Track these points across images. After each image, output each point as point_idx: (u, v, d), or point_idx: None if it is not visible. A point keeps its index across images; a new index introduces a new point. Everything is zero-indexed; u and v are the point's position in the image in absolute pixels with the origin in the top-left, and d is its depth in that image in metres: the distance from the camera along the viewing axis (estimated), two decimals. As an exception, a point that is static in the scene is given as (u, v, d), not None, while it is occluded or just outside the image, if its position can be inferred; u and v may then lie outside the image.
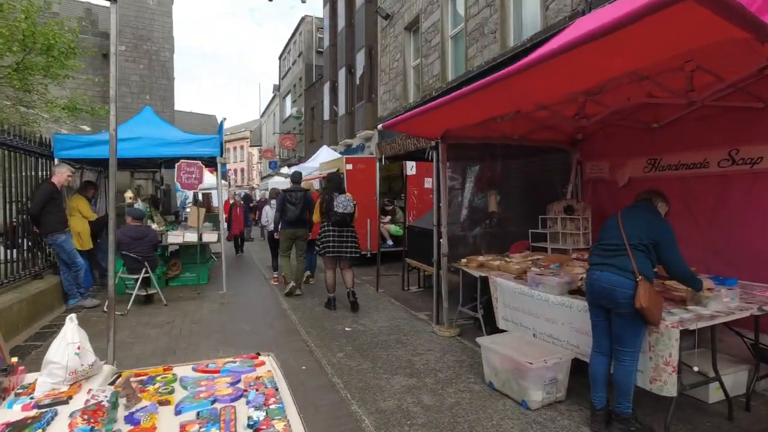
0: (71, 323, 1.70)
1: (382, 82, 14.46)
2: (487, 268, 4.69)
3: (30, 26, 7.50)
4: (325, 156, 13.13)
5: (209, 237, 7.74)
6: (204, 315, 6.03)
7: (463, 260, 5.02)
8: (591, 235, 5.01)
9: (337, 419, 3.17)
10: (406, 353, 4.45)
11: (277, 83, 35.82)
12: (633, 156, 4.87)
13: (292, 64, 29.71)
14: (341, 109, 18.39)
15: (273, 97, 38.98)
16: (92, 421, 1.44)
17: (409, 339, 4.90)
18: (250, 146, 50.45)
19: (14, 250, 5.84)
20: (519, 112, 4.13)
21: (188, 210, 11.58)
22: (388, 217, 10.53)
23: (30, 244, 6.12)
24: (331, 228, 6.25)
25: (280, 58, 33.70)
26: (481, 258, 4.95)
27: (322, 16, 23.05)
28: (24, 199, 6.00)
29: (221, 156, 7.46)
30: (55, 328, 5.30)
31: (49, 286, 5.97)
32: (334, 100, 19.61)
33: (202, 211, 8.50)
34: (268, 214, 9.68)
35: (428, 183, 9.20)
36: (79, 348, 1.68)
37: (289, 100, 31.20)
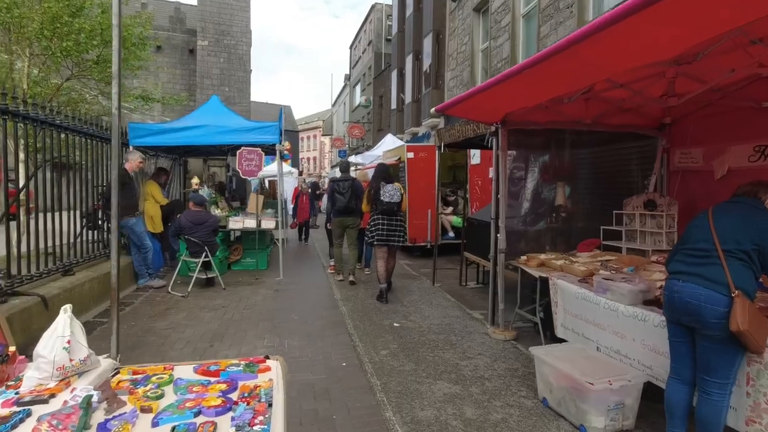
0: (64, 315, 1.61)
1: (449, 67, 13.90)
2: (549, 268, 4.20)
3: (106, 20, 7.99)
4: (389, 144, 12.94)
5: (268, 223, 7.85)
6: (257, 301, 6.09)
7: (523, 258, 4.55)
8: (676, 235, 4.31)
9: (368, 426, 2.94)
10: (454, 356, 4.12)
11: (348, 73, 36.18)
12: (736, 142, 4.09)
13: (362, 53, 29.77)
14: (408, 97, 18.06)
15: (344, 87, 39.49)
16: (60, 427, 1.32)
17: (459, 340, 4.55)
18: (322, 135, 51.78)
19: (95, 231, 6.28)
20: (590, 92, 3.58)
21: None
22: (450, 208, 10.11)
23: (108, 225, 6.54)
24: (380, 217, 6.10)
25: (351, 47, 33.96)
26: (543, 256, 4.45)
27: (391, 3, 22.75)
28: (105, 184, 6.41)
29: (280, 143, 7.49)
30: (123, 306, 5.60)
31: (121, 266, 6.35)
32: (401, 87, 19.32)
33: (261, 198, 8.66)
34: (326, 203, 9.74)
35: (492, 173, 8.69)
36: (69, 342, 1.59)
37: (358, 89, 31.39)
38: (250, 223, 7.61)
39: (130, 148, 7.01)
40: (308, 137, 55.34)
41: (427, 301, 6.19)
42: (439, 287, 6.99)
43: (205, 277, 6.69)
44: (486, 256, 5.48)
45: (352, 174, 8.22)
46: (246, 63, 26.62)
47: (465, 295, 6.47)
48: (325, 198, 10.21)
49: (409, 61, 17.65)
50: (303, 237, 12.87)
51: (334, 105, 44.70)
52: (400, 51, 19.30)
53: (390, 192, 6.04)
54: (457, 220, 9.60)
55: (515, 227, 4.99)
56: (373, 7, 26.64)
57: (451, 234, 9.64)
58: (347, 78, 36.86)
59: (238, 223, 7.63)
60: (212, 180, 11.31)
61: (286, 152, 10.08)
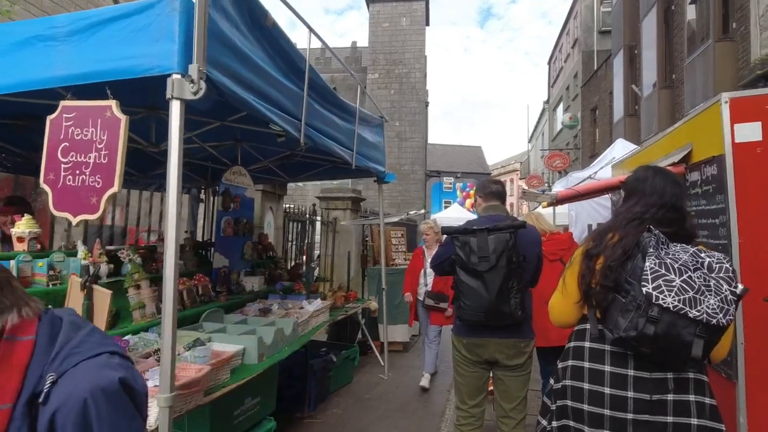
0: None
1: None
2: None
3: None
4: (619, 150, 6.44)
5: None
6: None
7: None
8: None
9: None
10: None
11: (546, 95, 29.64)
12: None
13: (564, 61, 23.15)
14: (647, 88, 10.95)
15: (540, 114, 32.94)
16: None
17: None
18: (520, 179, 45.49)
19: None
20: None
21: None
22: None
23: None
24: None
25: (549, 62, 27.60)
26: None
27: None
28: None
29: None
30: None
31: None
32: (632, 77, 12.26)
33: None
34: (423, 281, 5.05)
35: None
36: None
37: (560, 110, 24.57)
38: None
39: None
40: (505, 183, 49.51)
41: None
42: None
43: None
44: None
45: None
46: (420, 92, 23.10)
47: None
48: (426, 268, 4.52)
49: (648, 24, 10.68)
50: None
51: (530, 140, 38.20)
52: (627, 23, 12.40)
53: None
54: None
55: None
56: (578, -2, 20.18)
57: None
58: (546, 102, 30.29)
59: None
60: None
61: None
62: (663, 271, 1.45)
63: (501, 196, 2.76)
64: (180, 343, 2.70)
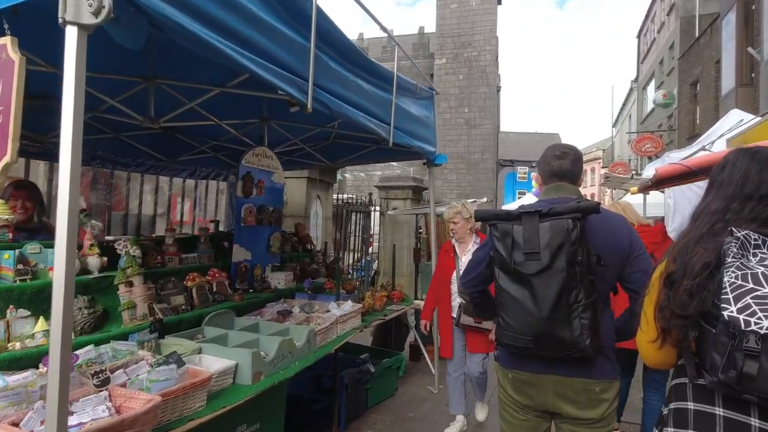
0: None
1: None
2: None
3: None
4: (733, 122, 5.06)
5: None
6: None
7: None
8: None
9: None
10: None
11: (636, 73, 26.69)
12: None
13: (658, 31, 20.54)
14: (766, 51, 9.01)
15: (628, 95, 29.87)
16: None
17: None
18: (602, 168, 41.91)
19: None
20: None
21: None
22: None
23: None
24: None
25: (639, 35, 24.78)
26: None
27: None
28: None
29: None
30: None
31: None
32: (747, 38, 10.25)
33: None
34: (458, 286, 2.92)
35: None
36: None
37: (651, 88, 21.92)
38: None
39: None
40: (585, 172, 45.98)
41: None
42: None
43: None
44: None
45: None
46: (490, 75, 21.65)
47: None
48: (460, 268, 3.39)
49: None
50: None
51: (614, 124, 34.97)
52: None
53: None
54: None
55: None
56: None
57: None
58: (634, 81, 27.31)
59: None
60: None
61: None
62: (751, 285, 1.06)
63: (569, 174, 1.88)
64: (164, 352, 2.22)
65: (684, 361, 1.27)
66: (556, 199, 1.77)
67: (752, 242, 1.13)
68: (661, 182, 2.82)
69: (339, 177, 18.84)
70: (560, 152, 1.90)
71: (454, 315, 3.42)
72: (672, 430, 1.25)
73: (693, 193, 4.50)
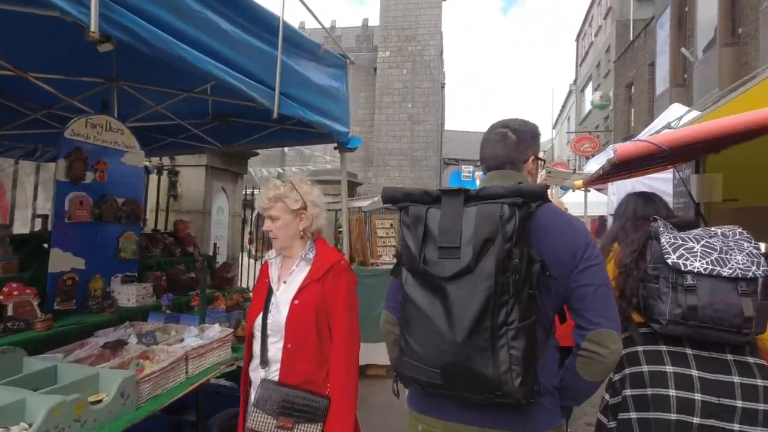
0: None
1: None
2: None
3: None
4: (674, 114, 4.61)
5: None
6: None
7: None
8: None
9: None
10: None
11: (573, 78, 27.42)
12: None
13: (595, 35, 21.01)
14: (702, 50, 9.00)
15: (567, 97, 30.73)
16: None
17: None
18: (543, 168, 43.23)
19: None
20: None
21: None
22: None
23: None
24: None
25: (577, 38, 25.40)
26: None
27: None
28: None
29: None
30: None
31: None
32: (680, 40, 10.28)
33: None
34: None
35: None
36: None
37: (588, 90, 22.45)
38: None
39: None
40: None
41: None
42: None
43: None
44: None
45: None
46: (434, 71, 21.22)
47: None
48: (278, 302, 1.63)
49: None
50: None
51: (554, 126, 35.96)
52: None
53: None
54: None
55: None
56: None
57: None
58: (573, 84, 28.07)
59: None
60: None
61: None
62: (680, 242, 1.61)
63: (508, 160, 1.48)
64: None
65: (630, 330, 1.72)
66: (492, 189, 1.25)
67: (670, 225, 1.73)
68: (619, 166, 2.18)
69: (280, 170, 17.60)
70: (500, 132, 1.51)
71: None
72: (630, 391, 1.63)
73: (644, 187, 4.00)
